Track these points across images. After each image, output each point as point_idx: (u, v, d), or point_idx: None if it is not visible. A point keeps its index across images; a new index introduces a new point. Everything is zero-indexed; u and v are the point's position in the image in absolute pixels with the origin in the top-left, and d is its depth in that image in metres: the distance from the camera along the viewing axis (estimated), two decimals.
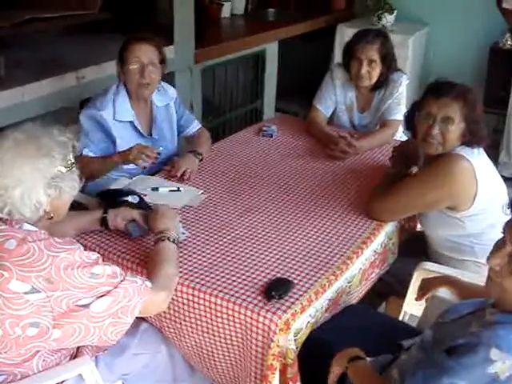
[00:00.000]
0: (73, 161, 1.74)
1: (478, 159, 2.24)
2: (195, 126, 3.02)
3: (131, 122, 2.72)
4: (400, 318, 2.34)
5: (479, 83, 4.93)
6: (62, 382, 1.82)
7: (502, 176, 2.97)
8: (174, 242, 2.00)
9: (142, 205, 2.30)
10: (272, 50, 4.67)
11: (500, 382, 1.40)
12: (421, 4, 5.16)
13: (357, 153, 2.88)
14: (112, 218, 2.18)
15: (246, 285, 1.93)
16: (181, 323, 1.97)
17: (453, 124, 2.19)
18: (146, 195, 2.40)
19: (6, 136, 1.69)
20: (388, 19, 5.02)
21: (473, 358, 1.42)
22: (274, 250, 2.12)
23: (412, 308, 2.32)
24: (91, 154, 2.63)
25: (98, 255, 1.72)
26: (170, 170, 2.67)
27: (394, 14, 5.04)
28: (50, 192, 1.67)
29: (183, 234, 2.19)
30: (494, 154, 4.52)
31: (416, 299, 2.17)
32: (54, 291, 1.59)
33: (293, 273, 1.99)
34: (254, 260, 2.06)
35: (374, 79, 3.07)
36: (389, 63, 3.06)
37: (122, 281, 1.70)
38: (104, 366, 1.93)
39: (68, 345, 1.69)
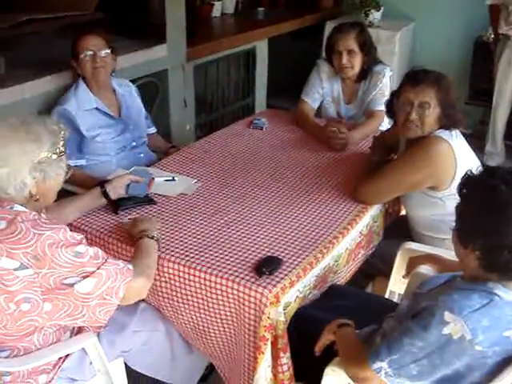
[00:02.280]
0: (62, 149, 1.85)
1: (456, 141, 2.38)
2: (153, 130, 3.34)
3: (97, 109, 2.93)
4: (386, 297, 2.47)
5: (464, 76, 5.09)
6: (66, 356, 1.95)
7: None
8: (153, 238, 2.08)
9: (147, 198, 2.45)
10: (262, 48, 4.80)
11: (454, 342, 1.55)
12: (407, 0, 5.31)
13: (350, 144, 3.00)
14: (112, 189, 2.34)
15: (238, 263, 2.05)
16: (178, 301, 2.09)
17: (429, 108, 2.34)
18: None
19: (3, 121, 1.81)
20: (375, 16, 5.15)
21: (429, 320, 1.57)
22: (265, 231, 2.25)
23: (397, 287, 2.44)
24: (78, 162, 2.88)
25: (82, 236, 1.83)
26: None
27: (381, 11, 5.17)
28: (36, 175, 1.78)
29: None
30: (480, 145, 4.69)
31: (403, 277, 2.30)
32: (41, 268, 1.70)
33: (282, 252, 2.12)
34: (245, 241, 2.18)
35: (357, 68, 3.21)
36: (368, 51, 3.20)
37: (104, 263, 1.79)
38: (106, 343, 2.04)
39: (59, 318, 1.79)
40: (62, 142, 1.84)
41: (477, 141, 4.68)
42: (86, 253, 1.77)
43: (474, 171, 1.71)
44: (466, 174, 1.73)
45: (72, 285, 1.73)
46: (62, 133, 1.86)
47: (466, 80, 5.09)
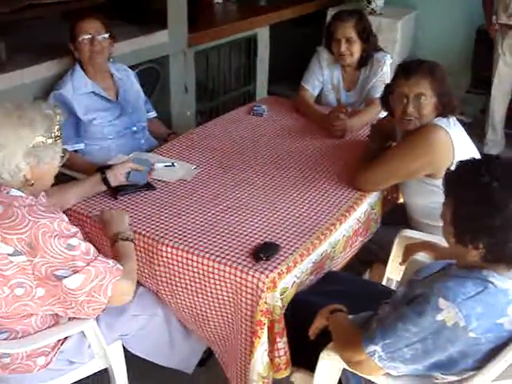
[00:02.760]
0: (57, 134, 1.84)
1: (453, 129, 2.39)
2: (153, 114, 3.33)
3: (93, 92, 2.94)
4: (384, 283, 2.49)
5: (466, 65, 5.08)
6: (65, 338, 1.97)
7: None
8: (127, 239, 2.05)
9: (146, 184, 2.45)
10: (263, 35, 4.79)
11: (447, 328, 1.57)
12: None
13: (350, 131, 3.01)
14: (112, 176, 2.34)
15: (236, 248, 2.07)
16: (176, 285, 2.11)
17: (425, 99, 2.35)
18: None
19: None
20: (377, 3, 5.14)
21: (424, 306, 1.59)
22: (263, 218, 2.26)
23: (394, 274, 2.46)
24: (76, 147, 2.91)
25: (78, 230, 1.83)
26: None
27: None
28: (30, 160, 1.78)
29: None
30: (481, 134, 4.70)
31: (400, 264, 2.32)
32: (34, 257, 1.71)
33: (280, 238, 2.14)
34: (243, 227, 2.20)
35: (356, 55, 3.21)
36: (366, 38, 3.20)
37: (94, 260, 1.80)
38: (104, 326, 2.06)
39: (51, 304, 1.81)
40: (57, 127, 1.84)
41: (478, 130, 4.69)
42: (78, 247, 1.77)
43: (457, 169, 1.70)
44: (448, 174, 1.73)
45: (61, 279, 1.74)
46: (58, 117, 1.85)
47: (468, 69, 5.09)
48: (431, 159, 2.38)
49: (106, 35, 2.92)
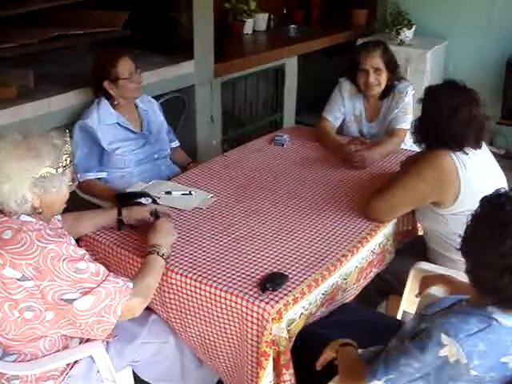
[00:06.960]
0: (66, 163, 1.87)
1: (463, 159, 2.35)
2: (175, 144, 3.36)
3: (118, 124, 2.98)
4: (399, 316, 2.45)
5: (497, 96, 5.03)
6: (75, 363, 1.99)
7: None
8: (163, 256, 2.09)
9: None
10: (291, 65, 4.83)
11: (450, 365, 1.53)
12: (439, 19, 5.27)
13: (370, 162, 3.00)
14: (126, 217, 2.35)
15: (244, 278, 2.07)
16: (185, 313, 2.12)
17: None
18: (159, 198, 2.58)
19: (7, 136, 1.85)
20: (407, 34, 5.13)
21: (427, 342, 1.56)
22: (274, 248, 2.27)
23: (410, 306, 2.43)
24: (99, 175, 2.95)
25: (85, 252, 1.86)
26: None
27: (413, 29, 5.16)
28: (36, 190, 1.81)
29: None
30: None
31: (416, 296, 2.29)
32: (42, 281, 1.75)
33: (289, 268, 2.13)
34: (253, 257, 2.20)
35: (383, 85, 3.22)
36: (393, 68, 3.22)
37: (104, 280, 1.82)
38: (114, 352, 2.08)
39: (61, 327, 1.84)
40: (65, 156, 1.86)
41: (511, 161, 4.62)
42: (87, 269, 1.80)
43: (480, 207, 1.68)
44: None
45: (71, 301, 1.77)
46: (66, 146, 1.88)
47: (499, 99, 5.03)
48: (435, 184, 2.36)
49: (138, 71, 2.99)
